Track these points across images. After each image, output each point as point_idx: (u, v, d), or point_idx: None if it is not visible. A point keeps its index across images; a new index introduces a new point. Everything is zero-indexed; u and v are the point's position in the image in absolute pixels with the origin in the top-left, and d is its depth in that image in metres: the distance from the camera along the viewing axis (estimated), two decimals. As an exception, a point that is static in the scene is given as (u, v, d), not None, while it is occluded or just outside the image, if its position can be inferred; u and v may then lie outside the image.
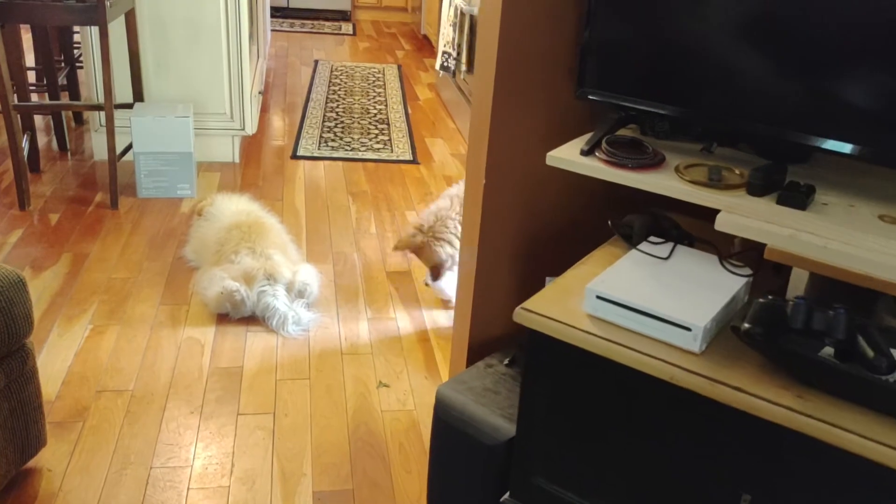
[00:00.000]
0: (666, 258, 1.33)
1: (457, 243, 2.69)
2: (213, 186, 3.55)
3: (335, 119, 4.59)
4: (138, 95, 3.51)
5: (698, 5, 1.34)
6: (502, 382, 1.72)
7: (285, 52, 6.16)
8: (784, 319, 1.08)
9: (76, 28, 4.41)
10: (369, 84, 5.37)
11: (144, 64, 3.58)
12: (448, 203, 2.73)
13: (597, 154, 1.40)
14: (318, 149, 4.11)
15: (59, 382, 2.19)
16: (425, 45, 6.73)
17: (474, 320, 1.99)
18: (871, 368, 1.03)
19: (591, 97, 1.49)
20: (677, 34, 1.37)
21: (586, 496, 1.32)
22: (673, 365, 1.13)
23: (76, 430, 2.02)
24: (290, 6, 7.40)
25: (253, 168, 3.82)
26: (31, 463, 1.89)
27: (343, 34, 6.97)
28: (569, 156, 1.41)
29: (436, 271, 2.67)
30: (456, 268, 2.75)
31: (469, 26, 4.25)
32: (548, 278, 1.93)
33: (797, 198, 1.23)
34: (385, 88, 5.29)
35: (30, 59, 4.36)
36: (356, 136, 4.33)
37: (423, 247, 2.66)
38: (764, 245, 1.20)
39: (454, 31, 4.45)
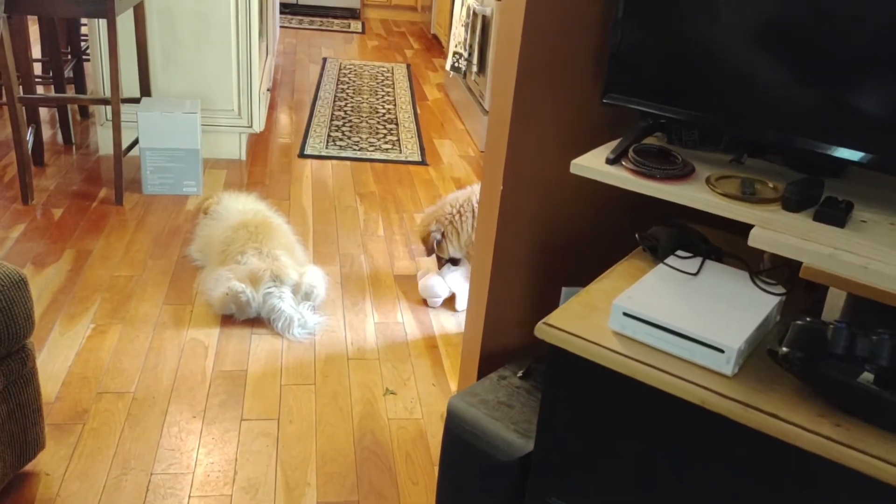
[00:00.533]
0: (695, 274, 1.27)
1: (457, 237, 2.67)
2: (219, 184, 3.50)
3: (343, 118, 4.54)
4: (145, 90, 3.46)
5: (730, 13, 1.28)
6: (516, 396, 1.67)
7: (294, 49, 6.11)
8: (824, 343, 1.02)
9: (84, 20, 4.36)
10: (378, 83, 5.32)
11: (152, 58, 3.53)
12: (460, 195, 2.72)
13: (623, 163, 1.34)
14: (326, 148, 4.06)
15: (59, 383, 2.14)
16: (434, 45, 6.68)
17: (487, 329, 1.93)
18: (917, 398, 0.97)
19: (618, 103, 1.44)
20: (708, 41, 1.32)
21: (606, 520, 1.27)
22: (704, 388, 1.08)
23: (76, 432, 1.97)
24: (300, 3, 7.35)
25: (260, 166, 3.77)
26: (28, 466, 1.84)
27: (352, 32, 6.92)
28: (594, 164, 1.36)
29: (427, 245, 2.67)
30: (457, 271, 2.70)
31: (481, 27, 4.20)
32: (564, 289, 1.88)
33: (836, 214, 1.17)
34: (394, 88, 5.24)
35: (36, 51, 4.32)
36: (364, 136, 4.27)
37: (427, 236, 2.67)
38: (796, 261, 1.15)
39: (466, 31, 4.39)
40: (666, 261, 1.31)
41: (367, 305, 2.67)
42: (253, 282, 2.47)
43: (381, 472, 1.95)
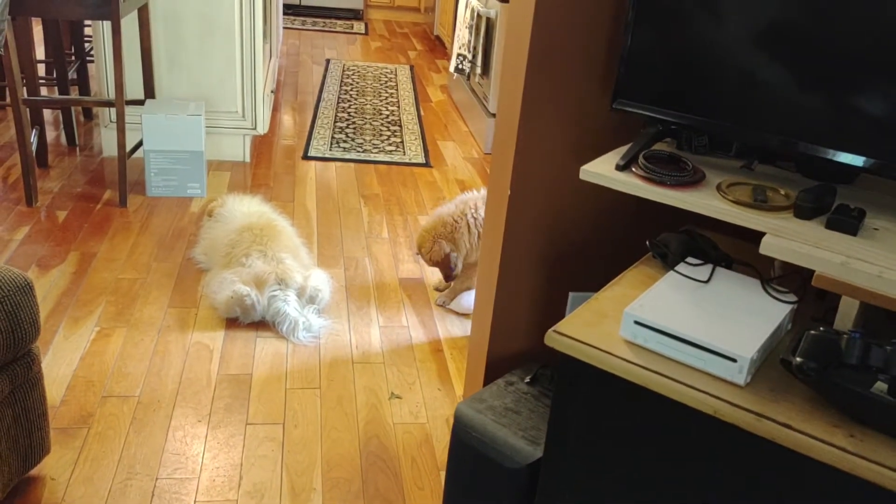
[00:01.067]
0: (706, 281, 1.27)
1: (463, 245, 2.63)
2: (223, 186, 3.50)
3: (347, 119, 4.53)
4: (149, 92, 3.45)
5: (739, 18, 1.27)
6: (524, 402, 1.66)
7: (297, 50, 6.11)
8: (838, 354, 1.01)
9: (88, 21, 4.36)
10: (381, 84, 5.31)
11: (157, 60, 3.52)
12: (453, 209, 2.67)
13: (633, 169, 1.33)
14: (330, 150, 4.05)
15: (63, 387, 2.13)
16: (437, 46, 6.67)
17: (493, 334, 1.93)
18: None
19: (627, 109, 1.43)
20: (718, 46, 1.31)
21: (615, 528, 1.26)
22: (717, 398, 1.07)
23: (81, 436, 1.96)
24: (303, 4, 7.34)
25: (263, 168, 3.76)
26: (34, 471, 1.83)
27: (355, 33, 6.91)
28: (603, 170, 1.35)
29: (445, 267, 2.60)
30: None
31: (485, 29, 4.19)
32: (571, 293, 1.87)
33: (848, 222, 1.17)
34: (397, 89, 5.23)
35: (39, 52, 4.31)
36: (368, 138, 4.27)
37: (432, 248, 2.61)
38: (807, 269, 1.14)
39: (470, 33, 4.39)
40: (676, 268, 1.31)
41: (372, 309, 2.66)
42: (258, 285, 2.47)
43: (387, 477, 1.94)
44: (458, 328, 2.61)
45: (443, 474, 1.96)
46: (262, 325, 2.49)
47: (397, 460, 2.00)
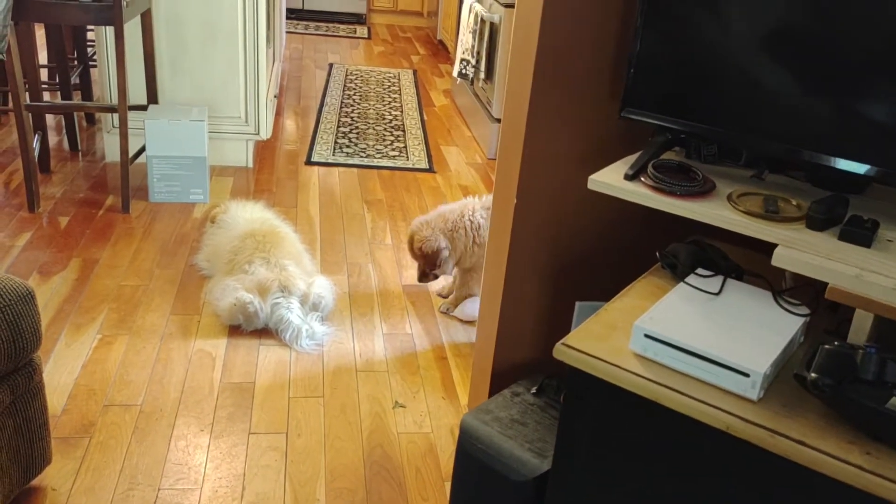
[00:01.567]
0: (717, 293, 1.25)
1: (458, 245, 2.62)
2: (225, 191, 3.48)
3: (350, 124, 4.52)
4: (152, 97, 3.44)
5: (747, 27, 1.26)
6: (530, 413, 1.64)
7: (300, 54, 6.10)
8: (853, 369, 0.99)
9: (90, 26, 4.35)
10: (384, 89, 5.30)
11: (159, 65, 3.51)
12: (456, 209, 2.66)
13: (642, 179, 1.32)
14: (333, 155, 4.04)
15: (65, 395, 2.12)
16: (440, 51, 6.66)
17: (499, 343, 1.91)
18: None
19: (636, 118, 1.41)
20: (726, 55, 1.30)
21: (624, 544, 1.24)
22: (729, 413, 1.05)
23: (82, 446, 1.95)
24: (305, 8, 7.34)
25: (266, 173, 3.75)
26: (35, 482, 1.81)
27: (358, 37, 6.90)
28: (612, 180, 1.34)
29: (430, 262, 2.59)
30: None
31: (489, 34, 4.18)
32: (578, 303, 1.85)
33: (862, 234, 1.15)
34: (400, 94, 5.22)
35: (42, 56, 4.30)
36: (371, 143, 4.25)
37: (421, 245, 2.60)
38: (820, 281, 1.12)
39: (474, 38, 4.37)
40: (687, 280, 1.29)
41: (376, 316, 2.64)
42: (261, 292, 2.45)
43: (391, 487, 1.92)
44: (462, 335, 2.59)
45: (447, 485, 1.94)
46: (265, 332, 2.47)
47: (401, 470, 1.98)
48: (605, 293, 1.81)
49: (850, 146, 1.20)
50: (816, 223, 1.18)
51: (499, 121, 4.15)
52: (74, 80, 3.81)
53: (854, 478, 0.98)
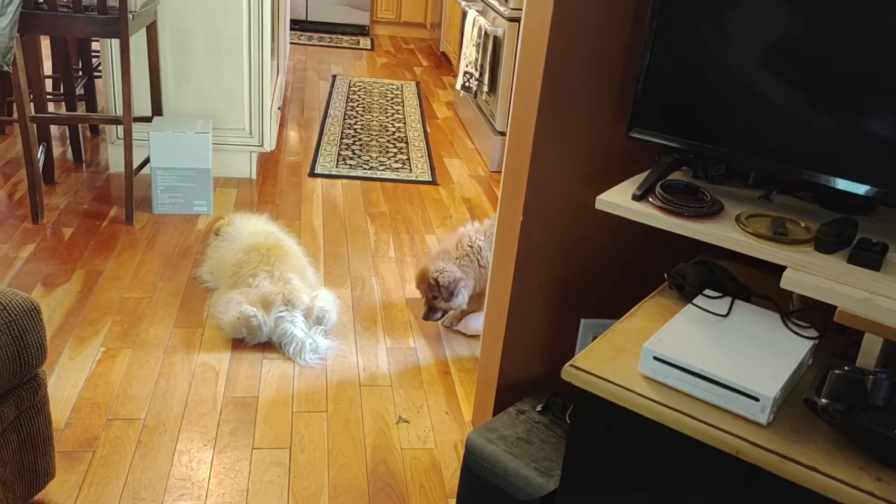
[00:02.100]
0: (725, 315, 1.25)
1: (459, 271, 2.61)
2: (229, 203, 3.49)
3: (353, 136, 4.53)
4: (157, 109, 3.45)
5: (757, 47, 1.26)
6: (535, 431, 1.64)
7: (303, 65, 6.12)
8: (863, 394, 0.99)
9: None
10: (387, 101, 5.31)
11: (164, 77, 3.52)
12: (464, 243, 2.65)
13: (650, 199, 1.32)
14: (336, 167, 4.04)
15: (69, 409, 2.11)
16: (443, 62, 6.68)
17: (504, 360, 1.91)
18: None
19: (644, 137, 1.41)
20: (735, 76, 1.30)
21: (632, 566, 1.24)
22: (739, 438, 1.05)
23: (86, 460, 1.94)
24: (309, 19, 7.37)
25: (270, 185, 3.75)
26: (38, 496, 1.81)
27: (361, 49, 6.92)
28: (620, 200, 1.34)
29: (446, 292, 2.57)
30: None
31: (493, 47, 4.19)
32: (583, 320, 1.85)
33: (871, 257, 1.15)
34: (403, 106, 5.23)
35: (46, 67, 4.31)
36: (374, 155, 4.26)
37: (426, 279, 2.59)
38: (828, 303, 1.12)
39: (477, 51, 4.39)
40: (695, 301, 1.29)
41: (379, 330, 2.64)
42: (264, 305, 2.45)
43: (395, 503, 1.91)
44: (466, 349, 2.59)
45: (451, 502, 1.93)
46: (269, 346, 2.47)
47: (405, 486, 1.97)
48: (611, 310, 1.81)
49: (852, 166, 1.20)
50: (825, 246, 1.18)
51: (502, 133, 4.16)
52: (79, 91, 3.82)
53: (865, 504, 0.98)
